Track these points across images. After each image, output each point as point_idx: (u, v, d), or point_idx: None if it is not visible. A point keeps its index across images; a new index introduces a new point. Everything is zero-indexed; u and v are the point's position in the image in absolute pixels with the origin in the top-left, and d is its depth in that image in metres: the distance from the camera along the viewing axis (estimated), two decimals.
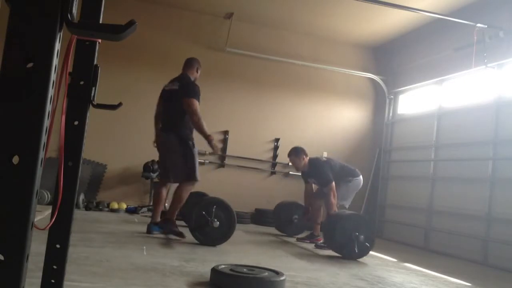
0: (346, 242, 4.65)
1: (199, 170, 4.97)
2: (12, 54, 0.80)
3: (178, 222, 6.02)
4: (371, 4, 6.32)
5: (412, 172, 7.54)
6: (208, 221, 4.47)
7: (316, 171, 5.67)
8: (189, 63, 5.39)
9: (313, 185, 6.00)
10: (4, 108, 0.79)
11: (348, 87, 8.69)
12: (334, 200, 5.41)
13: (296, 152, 5.83)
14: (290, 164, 6.08)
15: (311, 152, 6.23)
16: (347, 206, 5.80)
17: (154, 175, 7.30)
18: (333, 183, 5.49)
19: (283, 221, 6.39)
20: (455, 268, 4.97)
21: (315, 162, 5.72)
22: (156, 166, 7.31)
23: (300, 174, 6.18)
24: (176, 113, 4.90)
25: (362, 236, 4.64)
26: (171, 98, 5.00)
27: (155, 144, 5.29)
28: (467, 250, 5.93)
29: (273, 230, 6.93)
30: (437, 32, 7.23)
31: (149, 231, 4.89)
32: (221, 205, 4.61)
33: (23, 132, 0.80)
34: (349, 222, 4.75)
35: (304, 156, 5.80)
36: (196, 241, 4.51)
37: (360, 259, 4.71)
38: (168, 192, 7.42)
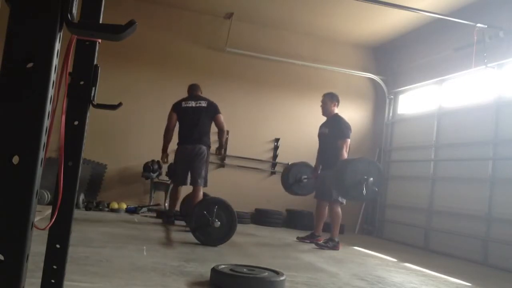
0: (355, 184, 4.65)
1: None
2: (12, 54, 0.80)
3: (178, 222, 6.06)
4: (371, 4, 6.32)
5: (412, 172, 7.54)
6: (209, 221, 4.47)
7: (338, 123, 5.65)
8: (197, 87, 6.30)
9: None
10: (4, 108, 0.79)
11: (348, 87, 8.68)
12: (346, 154, 5.40)
13: (331, 95, 5.84)
14: (320, 104, 5.92)
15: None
16: (344, 202, 5.73)
17: (154, 175, 7.30)
18: (349, 139, 5.50)
19: (292, 181, 6.25)
20: (455, 268, 4.97)
21: (341, 118, 5.73)
22: (156, 166, 7.32)
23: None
24: (204, 127, 5.79)
25: (371, 179, 4.64)
26: (199, 114, 5.80)
27: (166, 159, 6.01)
28: (467, 250, 5.93)
29: (273, 230, 6.93)
30: (437, 32, 7.23)
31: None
32: (223, 205, 4.61)
33: (23, 132, 0.80)
34: (359, 165, 4.76)
35: (336, 103, 5.80)
36: (196, 241, 4.51)
37: (360, 260, 4.70)
38: (168, 193, 7.44)
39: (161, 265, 3.23)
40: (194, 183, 5.67)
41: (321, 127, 5.94)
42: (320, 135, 5.92)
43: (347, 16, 7.52)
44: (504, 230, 5.49)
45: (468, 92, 6.66)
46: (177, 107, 5.97)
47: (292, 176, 6.26)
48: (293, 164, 6.44)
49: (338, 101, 5.84)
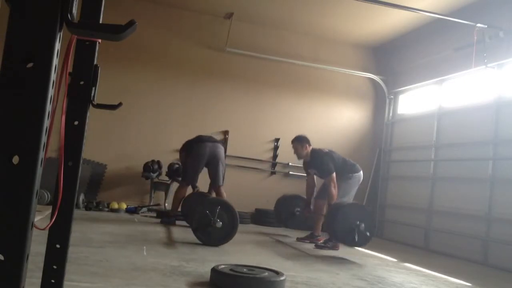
0: (347, 231, 4.66)
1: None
2: (12, 54, 0.80)
3: (178, 222, 6.06)
4: (371, 4, 6.32)
5: (412, 172, 7.54)
6: (211, 221, 4.47)
7: (317, 162, 5.66)
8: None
9: (315, 177, 5.95)
10: (4, 108, 0.79)
11: (348, 87, 8.69)
12: (334, 191, 5.41)
13: (299, 140, 5.83)
14: (293, 152, 5.98)
15: None
16: None
17: (154, 175, 7.30)
18: (334, 174, 5.49)
19: (285, 214, 6.28)
20: (455, 268, 4.97)
21: (317, 153, 5.72)
22: (156, 166, 7.32)
23: (299, 174, 6.15)
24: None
25: (363, 225, 4.65)
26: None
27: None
28: (467, 250, 5.93)
29: (273, 230, 6.93)
30: (437, 32, 7.23)
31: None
32: (225, 206, 4.61)
33: (23, 132, 0.80)
34: (351, 211, 4.77)
35: (307, 145, 5.79)
36: (196, 241, 4.51)
37: (360, 260, 4.71)
38: (167, 193, 7.43)
39: (161, 265, 3.23)
40: (218, 182, 6.05)
41: (307, 168, 5.97)
42: (307, 172, 5.99)
43: (347, 16, 7.51)
44: (504, 230, 5.49)
45: (468, 92, 6.66)
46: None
47: (284, 211, 6.32)
48: (285, 197, 6.44)
49: (308, 141, 5.84)
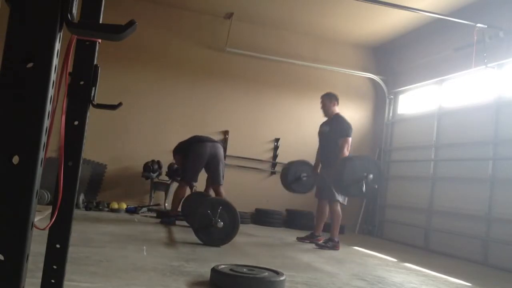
0: (354, 182, 4.65)
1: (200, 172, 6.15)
2: (12, 54, 0.80)
3: (179, 222, 6.06)
4: (371, 4, 6.32)
5: (412, 172, 7.54)
6: (212, 221, 4.47)
7: (340, 122, 5.63)
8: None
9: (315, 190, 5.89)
10: (4, 108, 0.79)
11: (348, 87, 8.68)
12: (347, 153, 5.38)
13: (329, 95, 5.81)
14: (320, 106, 5.90)
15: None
16: (345, 203, 5.74)
17: (154, 175, 7.30)
18: (350, 138, 5.49)
19: (291, 179, 6.19)
20: (455, 268, 4.97)
21: (342, 117, 5.71)
22: (156, 166, 7.32)
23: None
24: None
25: (371, 176, 4.64)
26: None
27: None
28: (467, 250, 5.93)
29: (273, 230, 6.93)
30: (437, 32, 7.23)
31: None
32: (226, 206, 4.61)
33: (23, 132, 0.80)
34: (359, 162, 4.77)
35: (335, 103, 5.78)
36: (196, 241, 4.51)
37: (360, 259, 4.70)
38: (167, 193, 7.43)
39: (161, 265, 3.23)
40: (218, 182, 6.10)
41: (321, 125, 5.93)
42: (321, 133, 5.90)
43: (347, 16, 7.52)
44: (504, 230, 5.49)
45: (468, 92, 6.66)
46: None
47: (291, 174, 6.22)
48: (292, 162, 6.40)
49: (337, 100, 5.82)
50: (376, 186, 4.67)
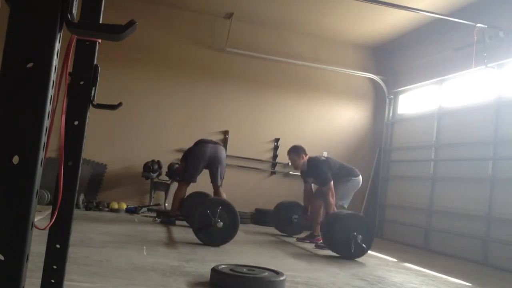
0: (343, 242, 4.64)
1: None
2: (12, 54, 0.80)
3: (179, 222, 6.06)
4: (371, 4, 6.32)
5: (412, 172, 7.53)
6: (212, 221, 4.47)
7: (314, 171, 5.68)
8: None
9: (313, 185, 6.00)
10: (4, 108, 0.79)
11: (348, 87, 8.69)
12: (332, 200, 5.42)
13: (295, 151, 5.84)
14: (289, 163, 6.09)
15: (311, 152, 6.23)
16: (346, 206, 5.79)
17: (154, 175, 7.30)
18: (332, 182, 5.49)
19: (283, 221, 6.37)
20: (455, 268, 4.97)
21: (314, 161, 5.73)
22: (156, 166, 7.32)
23: (299, 173, 6.19)
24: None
25: (360, 236, 4.63)
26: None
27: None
28: (467, 250, 5.93)
29: (273, 230, 6.93)
30: (437, 32, 7.23)
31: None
32: (226, 207, 4.61)
33: (23, 132, 0.80)
34: (348, 222, 4.75)
35: (304, 155, 5.81)
36: (196, 241, 4.51)
37: (360, 259, 4.71)
38: (167, 193, 7.43)
39: (161, 265, 3.23)
40: (218, 182, 6.12)
41: (303, 176, 6.04)
42: (307, 183, 6.04)
43: (347, 16, 7.51)
44: (504, 230, 5.49)
45: (468, 92, 6.66)
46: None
47: (283, 218, 6.36)
48: (283, 204, 6.49)
49: (304, 151, 5.85)
50: (365, 246, 4.65)
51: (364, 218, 5.29)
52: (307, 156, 5.82)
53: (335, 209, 5.44)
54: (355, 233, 4.62)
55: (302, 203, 6.24)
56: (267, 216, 7.57)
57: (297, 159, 5.81)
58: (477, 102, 6.36)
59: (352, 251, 4.61)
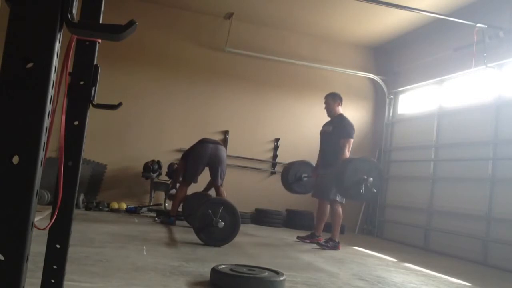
0: (354, 184, 4.62)
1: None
2: (12, 54, 0.80)
3: (179, 222, 6.06)
4: (371, 4, 6.32)
5: (412, 172, 7.54)
6: (213, 221, 4.47)
7: (343, 123, 5.61)
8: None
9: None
10: (4, 108, 0.79)
11: (348, 87, 8.67)
12: (348, 154, 5.36)
13: (333, 96, 5.81)
14: (324, 106, 5.88)
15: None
16: (343, 202, 5.72)
17: (154, 175, 7.30)
18: (352, 140, 5.46)
19: (291, 179, 6.20)
20: (455, 268, 4.97)
21: (346, 118, 5.69)
22: (156, 166, 7.32)
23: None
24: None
25: (371, 179, 4.60)
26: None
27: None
28: (467, 250, 5.93)
29: (273, 230, 6.93)
30: (437, 32, 7.23)
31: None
32: (227, 207, 4.61)
33: (23, 132, 0.80)
34: (361, 164, 4.73)
35: (340, 102, 5.77)
36: (196, 241, 4.51)
37: (360, 259, 4.70)
38: (168, 192, 7.43)
39: (161, 265, 3.23)
40: (218, 181, 6.13)
41: (324, 125, 5.92)
42: (323, 133, 5.88)
43: (347, 16, 7.52)
44: (504, 230, 5.49)
45: (468, 92, 6.66)
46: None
47: (292, 174, 6.22)
48: (293, 162, 6.40)
49: (341, 100, 5.81)
50: (375, 190, 4.62)
51: (376, 163, 5.25)
52: (341, 109, 5.76)
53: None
54: (366, 176, 4.60)
55: (311, 163, 6.11)
56: (267, 216, 7.58)
57: (332, 103, 5.77)
58: (477, 102, 6.36)
59: (362, 193, 4.59)
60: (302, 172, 6.19)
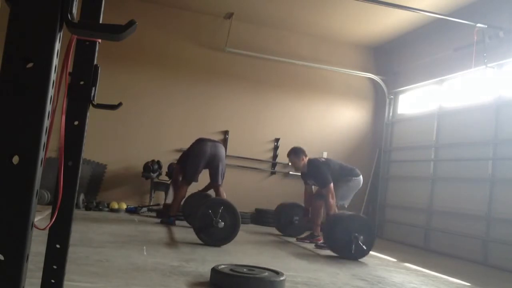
0: (344, 243, 4.64)
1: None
2: (12, 54, 0.80)
3: (180, 222, 6.06)
4: (371, 4, 6.32)
5: (412, 172, 7.54)
6: (213, 221, 4.47)
7: (314, 172, 5.67)
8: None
9: (313, 186, 6.00)
10: (4, 108, 0.79)
11: (348, 87, 8.69)
12: (332, 201, 5.41)
13: (295, 152, 5.84)
14: (289, 164, 6.09)
15: (311, 152, 6.23)
16: (346, 206, 5.79)
17: (154, 175, 7.30)
18: (331, 184, 5.48)
19: (284, 222, 6.37)
20: (455, 268, 4.97)
21: (314, 163, 5.72)
22: (156, 166, 7.32)
23: (299, 174, 6.19)
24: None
25: (362, 237, 4.63)
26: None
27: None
28: (467, 250, 5.93)
29: (273, 230, 6.93)
30: (437, 32, 7.23)
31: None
32: (228, 207, 4.61)
33: (23, 132, 0.80)
34: (350, 223, 4.75)
35: (304, 157, 5.81)
36: (196, 241, 4.52)
37: (360, 259, 4.70)
38: (169, 191, 7.43)
39: (161, 265, 3.23)
40: (218, 180, 6.11)
41: (303, 178, 6.00)
42: (306, 183, 6.02)
43: (347, 16, 7.52)
44: (504, 230, 5.49)
45: (468, 92, 6.66)
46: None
47: (284, 218, 6.38)
48: (284, 205, 6.50)
49: (303, 153, 5.84)
50: (365, 248, 4.65)
51: (365, 219, 5.28)
52: (307, 158, 5.81)
53: (336, 210, 5.43)
54: (357, 234, 4.62)
55: (302, 204, 6.23)
56: (267, 216, 7.58)
57: (297, 161, 5.81)
58: (477, 102, 6.36)
59: (353, 252, 4.61)
60: (293, 215, 6.33)
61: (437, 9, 6.46)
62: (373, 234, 4.82)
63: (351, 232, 4.63)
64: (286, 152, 6.01)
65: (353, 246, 4.59)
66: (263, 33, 8.35)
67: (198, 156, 6.03)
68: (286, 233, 6.36)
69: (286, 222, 6.35)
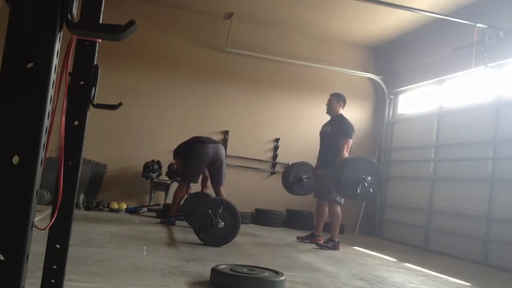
0: (351, 183, 4.60)
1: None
2: (12, 54, 0.80)
3: (180, 222, 6.06)
4: (371, 4, 6.32)
5: (412, 172, 7.54)
6: (213, 221, 4.47)
7: (341, 123, 5.60)
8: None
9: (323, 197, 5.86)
10: (4, 108, 0.79)
11: (348, 87, 8.65)
12: (346, 154, 5.35)
13: (338, 96, 5.81)
14: (326, 104, 5.89)
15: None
16: (342, 202, 5.72)
17: (154, 175, 7.30)
18: (351, 140, 5.45)
19: (292, 181, 6.20)
20: (455, 268, 4.97)
21: (346, 119, 5.68)
22: (156, 166, 7.32)
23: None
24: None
25: (369, 179, 4.59)
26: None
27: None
28: (467, 250, 5.93)
29: (273, 230, 6.93)
30: (437, 32, 7.23)
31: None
32: (228, 207, 4.62)
33: (23, 132, 0.80)
34: (359, 164, 4.71)
35: (342, 105, 5.77)
36: (196, 241, 4.51)
37: (360, 259, 4.70)
38: (168, 193, 7.43)
39: (161, 265, 3.23)
40: (221, 182, 6.14)
41: (324, 125, 5.92)
42: (322, 133, 5.88)
43: (347, 16, 7.52)
44: (504, 230, 5.49)
45: (468, 92, 6.66)
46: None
47: (292, 176, 6.23)
48: (294, 164, 6.43)
49: (344, 102, 5.82)
50: (372, 190, 4.60)
51: (374, 163, 5.21)
52: (341, 110, 5.76)
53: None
54: (364, 176, 4.59)
55: (311, 164, 6.10)
56: (267, 216, 7.58)
57: (335, 102, 5.77)
58: (477, 102, 6.37)
59: (358, 192, 4.58)
60: (302, 173, 6.19)
61: (437, 9, 6.47)
62: (380, 179, 4.78)
63: (359, 173, 4.60)
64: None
65: (360, 186, 4.55)
66: (263, 33, 8.35)
67: (200, 159, 6.00)
68: (293, 191, 6.22)
69: (294, 181, 6.18)
